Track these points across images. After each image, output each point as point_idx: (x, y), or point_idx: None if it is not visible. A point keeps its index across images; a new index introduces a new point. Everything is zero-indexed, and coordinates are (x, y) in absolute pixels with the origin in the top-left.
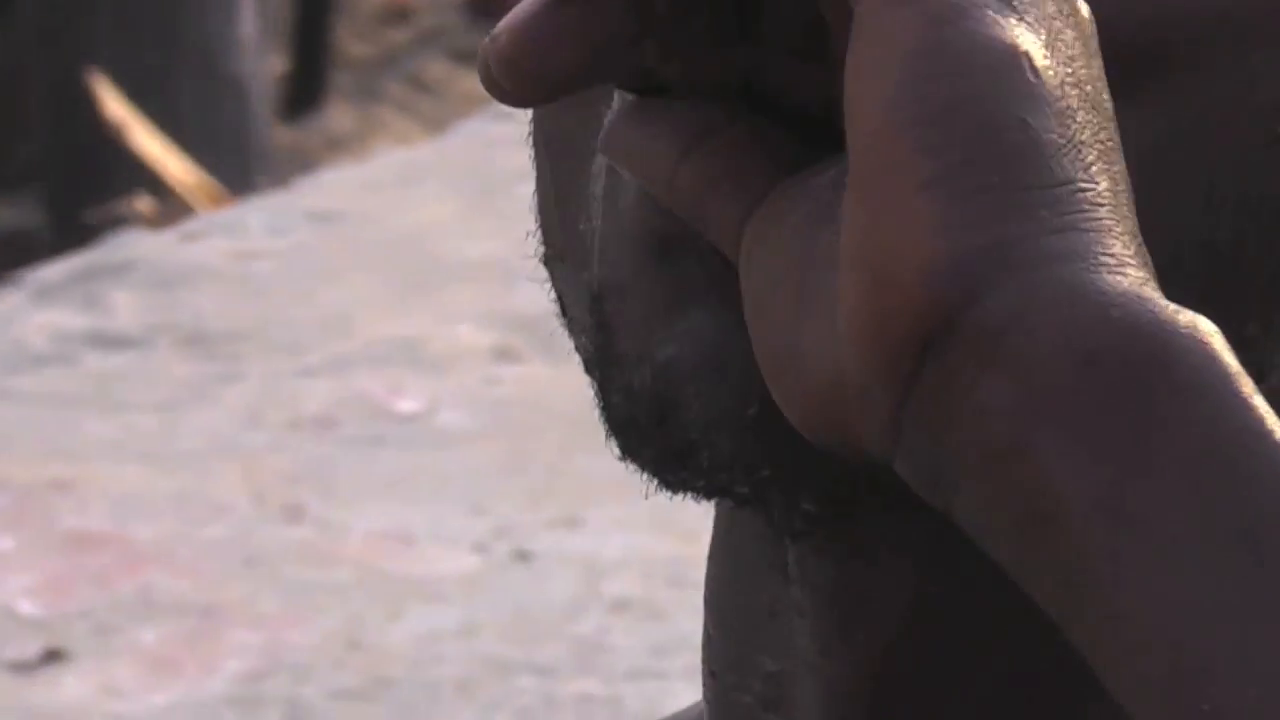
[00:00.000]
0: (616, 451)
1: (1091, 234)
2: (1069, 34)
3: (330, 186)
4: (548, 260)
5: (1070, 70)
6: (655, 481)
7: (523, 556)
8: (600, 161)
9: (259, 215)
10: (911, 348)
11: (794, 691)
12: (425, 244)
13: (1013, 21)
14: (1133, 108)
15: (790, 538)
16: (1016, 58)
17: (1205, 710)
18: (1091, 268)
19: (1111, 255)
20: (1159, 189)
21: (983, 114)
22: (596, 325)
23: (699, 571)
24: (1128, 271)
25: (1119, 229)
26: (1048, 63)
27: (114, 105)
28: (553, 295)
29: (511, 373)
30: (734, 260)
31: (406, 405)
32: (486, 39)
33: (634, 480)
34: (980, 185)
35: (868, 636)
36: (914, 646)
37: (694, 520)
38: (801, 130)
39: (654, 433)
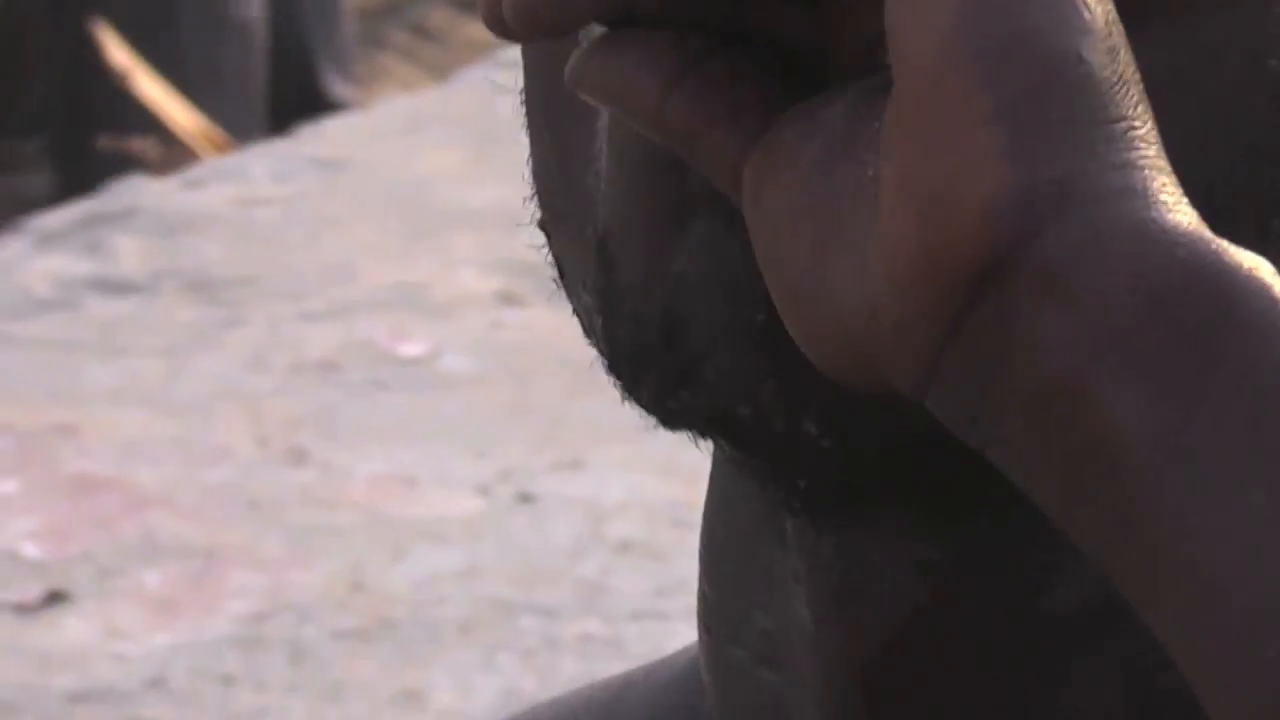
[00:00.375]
0: (618, 388)
1: (1148, 171)
2: None
3: (334, 134)
4: (545, 224)
5: (1108, 7)
6: (655, 417)
7: (526, 499)
8: (605, 117)
9: (262, 162)
10: (968, 281)
11: (790, 652)
12: (429, 190)
13: None
14: (1135, 46)
15: (787, 509)
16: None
17: (1270, 656)
18: (1153, 205)
19: (1169, 193)
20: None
21: (1043, 48)
22: (601, 267)
23: (701, 513)
24: (1186, 210)
25: (1167, 168)
26: None
27: (118, 52)
28: (550, 259)
29: (515, 317)
30: (731, 193)
31: (410, 349)
32: None
33: (637, 423)
34: (1043, 119)
35: (866, 609)
36: (915, 622)
37: (697, 463)
38: (785, 69)
39: (662, 354)
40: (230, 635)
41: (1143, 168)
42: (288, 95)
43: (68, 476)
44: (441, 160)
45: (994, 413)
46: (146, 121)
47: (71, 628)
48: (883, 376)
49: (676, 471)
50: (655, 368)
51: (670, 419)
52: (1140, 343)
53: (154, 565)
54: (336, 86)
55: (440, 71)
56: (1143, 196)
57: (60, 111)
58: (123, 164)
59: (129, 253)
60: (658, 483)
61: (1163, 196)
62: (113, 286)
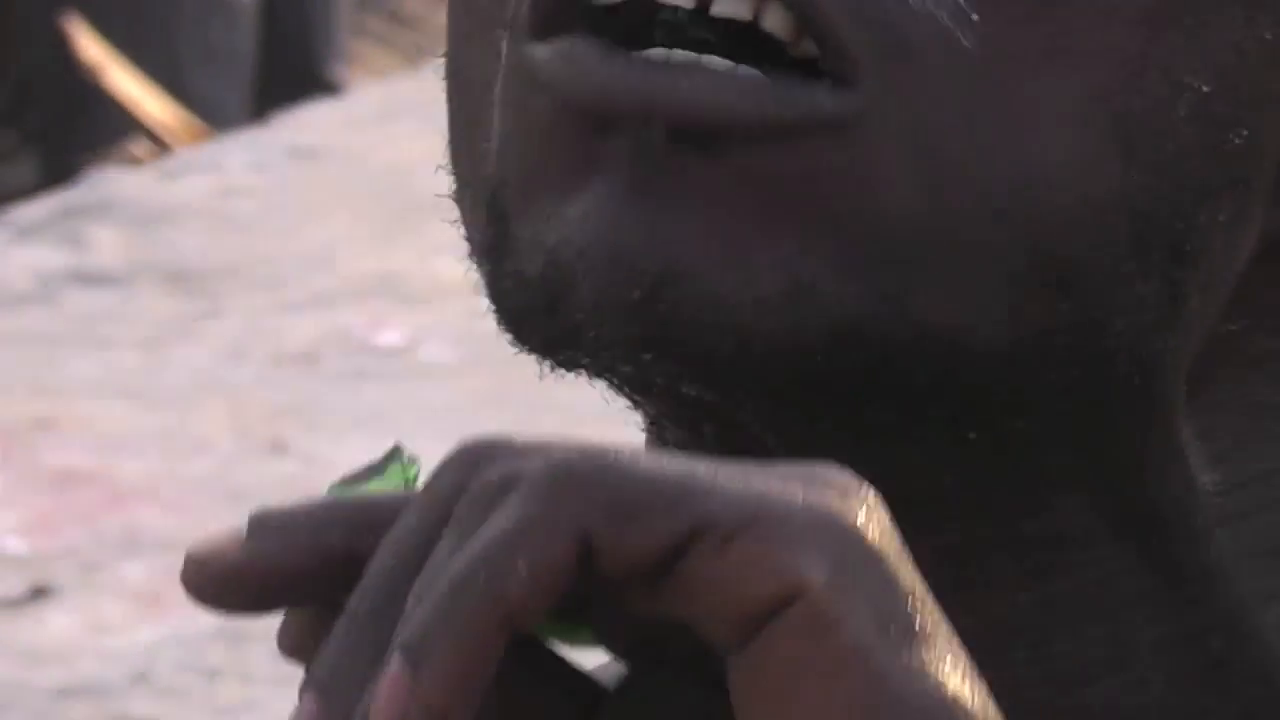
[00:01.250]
0: (508, 337)
1: None
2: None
3: (310, 122)
4: (457, 195)
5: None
6: (548, 363)
7: None
8: (500, 87)
9: (239, 152)
10: None
11: None
12: (406, 179)
13: (935, 652)
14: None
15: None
16: (954, 709)
17: None
18: None
19: None
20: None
21: None
22: (491, 218)
23: None
24: None
25: None
26: (966, 686)
27: (90, 47)
28: (463, 233)
29: None
30: None
31: (388, 339)
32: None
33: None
34: None
35: None
36: None
37: None
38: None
39: (544, 320)
40: (215, 628)
41: None
42: (283, 75)
43: (49, 470)
44: (418, 147)
45: None
46: (126, 111)
47: (56, 623)
48: None
49: None
50: (540, 330)
51: (562, 366)
52: None
53: (137, 558)
54: (332, 69)
55: (416, 58)
56: None
57: (41, 100)
58: (105, 152)
59: (107, 244)
60: None
61: None
62: (91, 279)
